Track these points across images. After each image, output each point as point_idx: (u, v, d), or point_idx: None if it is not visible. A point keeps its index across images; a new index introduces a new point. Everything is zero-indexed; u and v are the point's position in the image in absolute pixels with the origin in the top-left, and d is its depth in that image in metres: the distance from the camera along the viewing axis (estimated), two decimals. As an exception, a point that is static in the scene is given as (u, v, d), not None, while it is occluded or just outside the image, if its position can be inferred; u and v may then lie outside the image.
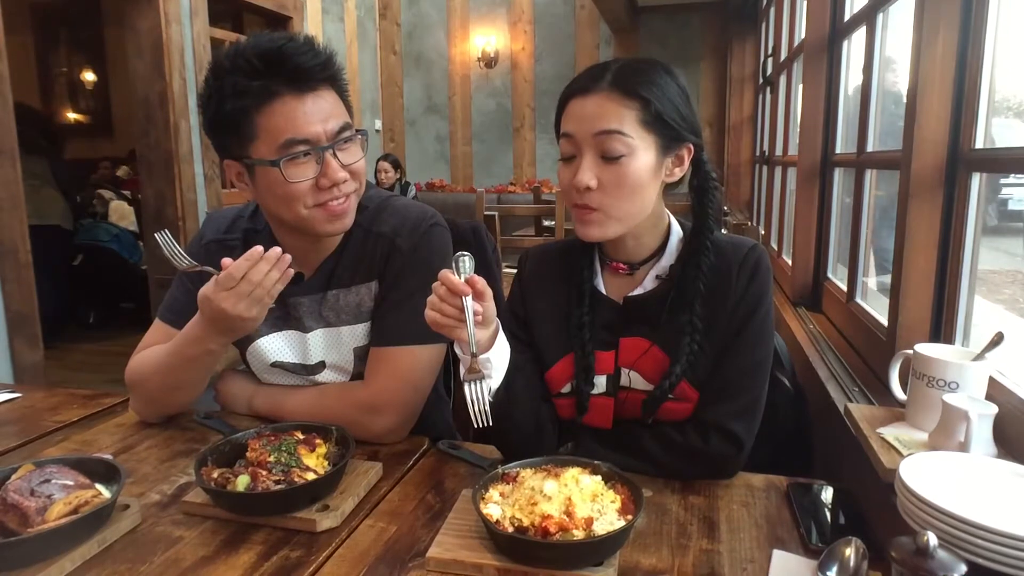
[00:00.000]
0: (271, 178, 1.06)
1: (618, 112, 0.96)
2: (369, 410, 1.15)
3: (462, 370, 0.95)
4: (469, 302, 0.88)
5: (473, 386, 0.91)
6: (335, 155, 1.07)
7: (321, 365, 1.23)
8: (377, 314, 1.20)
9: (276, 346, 1.24)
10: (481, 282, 0.89)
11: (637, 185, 0.98)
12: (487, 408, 0.90)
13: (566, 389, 1.09)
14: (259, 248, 0.98)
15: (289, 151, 1.04)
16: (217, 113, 1.06)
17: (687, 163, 1.03)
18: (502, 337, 0.97)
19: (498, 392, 0.96)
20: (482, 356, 0.92)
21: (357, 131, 1.12)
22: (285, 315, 1.22)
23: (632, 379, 1.06)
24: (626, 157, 0.96)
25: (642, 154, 0.97)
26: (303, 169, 1.05)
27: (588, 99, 0.98)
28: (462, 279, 0.88)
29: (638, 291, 1.07)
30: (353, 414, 1.13)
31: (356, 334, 1.21)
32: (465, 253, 0.90)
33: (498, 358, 0.96)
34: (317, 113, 1.05)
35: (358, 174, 1.12)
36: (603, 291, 1.09)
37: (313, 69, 1.05)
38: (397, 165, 5.78)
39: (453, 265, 0.89)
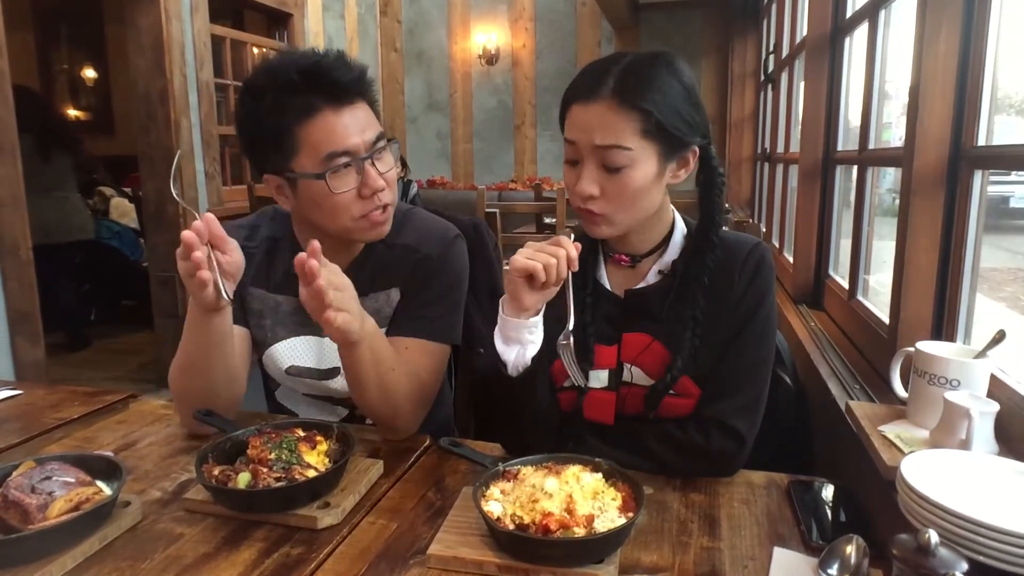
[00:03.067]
0: (315, 190, 1.09)
1: (618, 124, 0.95)
2: (425, 403, 1.18)
3: (503, 353, 1.01)
4: (570, 279, 0.96)
5: (568, 351, 0.97)
6: (373, 164, 1.10)
7: (335, 371, 1.24)
8: (402, 311, 1.22)
9: (292, 351, 1.25)
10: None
11: (639, 193, 0.98)
12: (576, 362, 0.98)
13: (568, 383, 1.09)
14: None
15: (332, 163, 1.07)
16: (257, 130, 1.10)
17: (692, 164, 1.03)
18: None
19: (533, 362, 1.00)
20: (531, 320, 0.98)
21: (389, 140, 1.16)
22: (304, 320, 1.23)
23: (634, 374, 1.06)
24: (627, 168, 0.96)
25: (643, 164, 0.97)
26: (346, 180, 1.09)
27: (590, 107, 0.96)
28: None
29: (640, 285, 1.08)
30: (409, 406, 1.14)
31: None
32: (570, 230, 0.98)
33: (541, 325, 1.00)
34: (355, 125, 1.09)
35: (392, 183, 1.15)
36: (606, 285, 1.10)
37: (350, 83, 1.09)
38: (404, 163, 5.77)
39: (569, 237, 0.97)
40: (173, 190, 1.07)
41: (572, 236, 0.96)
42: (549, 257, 0.92)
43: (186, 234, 0.94)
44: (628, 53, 1.01)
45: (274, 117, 1.07)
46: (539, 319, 0.99)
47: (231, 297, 1.00)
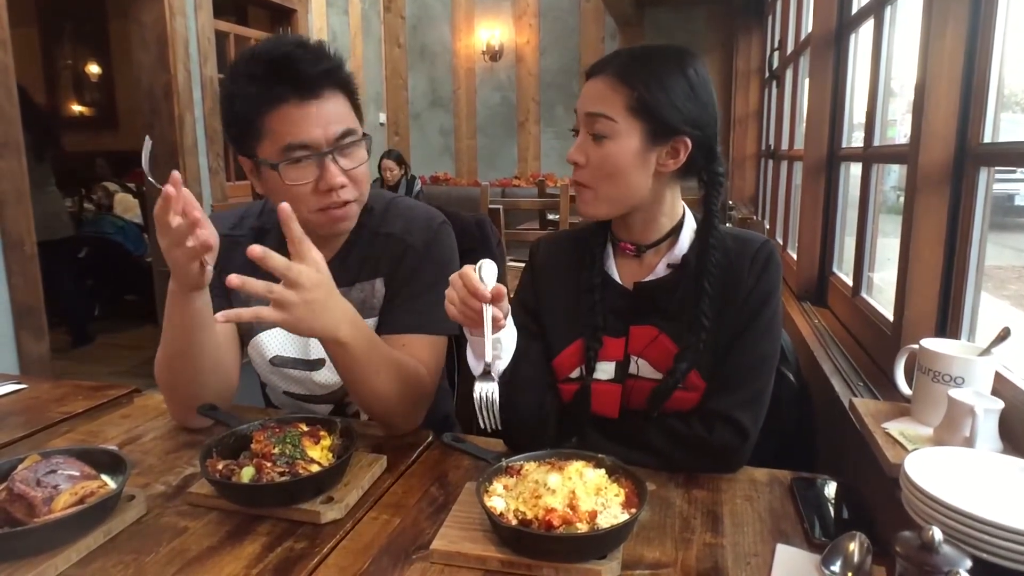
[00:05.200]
0: (274, 179, 1.09)
1: (607, 96, 1.00)
2: (424, 400, 1.16)
3: (474, 368, 0.96)
4: (488, 311, 0.88)
5: (484, 389, 0.92)
6: (335, 160, 1.08)
7: (321, 362, 1.23)
8: (393, 305, 1.21)
9: (278, 340, 1.24)
10: (502, 290, 0.89)
11: (618, 168, 1.01)
12: (496, 412, 0.91)
13: (574, 374, 1.09)
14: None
15: (289, 155, 1.07)
16: (229, 113, 1.11)
17: (683, 156, 1.02)
18: (510, 321, 0.98)
19: (503, 375, 0.98)
20: (493, 336, 0.93)
21: (365, 135, 1.14)
22: None
23: (640, 367, 1.07)
24: (609, 139, 1.00)
25: (626, 139, 0.99)
26: (303, 173, 1.08)
27: (594, 81, 1.02)
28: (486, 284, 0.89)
29: (648, 278, 1.08)
30: (401, 406, 1.13)
31: None
32: (489, 261, 0.92)
33: (508, 338, 0.98)
34: (319, 118, 1.07)
35: (359, 181, 1.13)
36: (615, 276, 1.10)
37: (317, 75, 1.07)
38: (401, 161, 5.74)
39: (476, 269, 0.90)
40: (147, 171, 1.00)
41: (478, 268, 0.91)
42: (453, 295, 0.91)
43: (168, 191, 0.89)
44: (653, 44, 1.04)
45: (243, 102, 1.07)
46: (499, 336, 0.96)
47: (212, 267, 0.98)
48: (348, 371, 1.06)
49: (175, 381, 1.12)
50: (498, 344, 0.96)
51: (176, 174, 0.90)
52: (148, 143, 1.01)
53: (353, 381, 1.08)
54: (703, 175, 1.06)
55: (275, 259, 0.90)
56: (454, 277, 0.91)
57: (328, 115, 1.08)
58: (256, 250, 0.88)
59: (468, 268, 0.90)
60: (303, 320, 0.95)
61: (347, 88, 1.13)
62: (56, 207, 4.18)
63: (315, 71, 1.07)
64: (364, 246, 1.22)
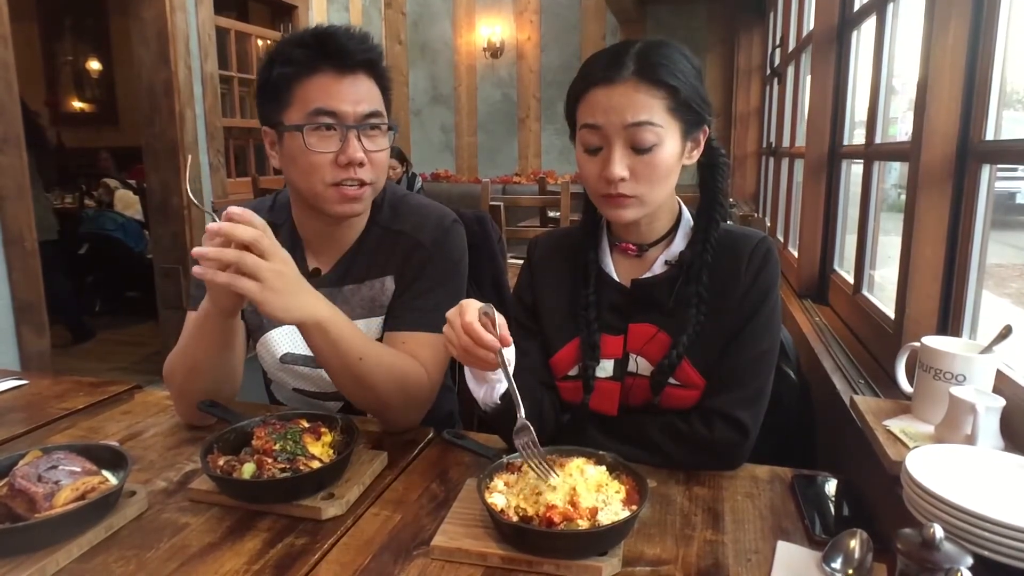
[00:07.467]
0: (295, 145, 1.11)
1: (647, 102, 0.95)
2: (425, 397, 1.16)
3: (474, 391, 0.97)
4: (508, 353, 0.88)
5: (525, 440, 0.88)
6: (359, 137, 1.11)
7: None
8: (399, 303, 1.21)
9: (288, 338, 1.25)
10: (508, 340, 0.88)
11: (667, 172, 0.99)
12: (543, 458, 0.87)
13: (573, 372, 1.09)
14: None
15: (315, 119, 1.09)
16: (265, 78, 1.14)
17: (703, 144, 1.04)
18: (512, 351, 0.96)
19: (502, 400, 0.97)
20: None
21: (391, 128, 1.16)
22: None
23: (639, 365, 1.07)
24: (657, 146, 0.97)
25: (670, 142, 0.98)
26: (325, 142, 1.10)
27: (614, 89, 0.96)
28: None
29: (646, 275, 1.07)
30: (397, 399, 1.12)
31: (369, 329, 1.21)
32: (491, 307, 0.89)
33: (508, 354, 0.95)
34: (350, 93, 1.11)
35: (378, 165, 1.14)
36: (612, 274, 1.10)
37: (354, 51, 1.11)
38: (403, 159, 5.69)
39: (477, 316, 0.87)
40: (190, 194, 1.09)
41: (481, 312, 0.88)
42: (453, 338, 0.89)
43: (235, 230, 0.91)
44: (634, 40, 1.01)
45: (280, 68, 1.11)
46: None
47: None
48: (332, 358, 1.05)
49: (189, 388, 1.13)
50: (498, 370, 0.91)
51: (234, 211, 0.93)
52: (189, 160, 1.04)
53: (337, 370, 1.07)
54: (702, 159, 1.07)
55: (241, 229, 0.91)
56: (454, 323, 0.89)
57: (360, 93, 1.12)
58: (235, 211, 0.91)
59: (475, 322, 0.87)
60: (280, 293, 0.94)
61: (382, 80, 1.17)
62: (40, 210, 4.10)
63: (357, 51, 1.11)
64: (374, 243, 1.22)
